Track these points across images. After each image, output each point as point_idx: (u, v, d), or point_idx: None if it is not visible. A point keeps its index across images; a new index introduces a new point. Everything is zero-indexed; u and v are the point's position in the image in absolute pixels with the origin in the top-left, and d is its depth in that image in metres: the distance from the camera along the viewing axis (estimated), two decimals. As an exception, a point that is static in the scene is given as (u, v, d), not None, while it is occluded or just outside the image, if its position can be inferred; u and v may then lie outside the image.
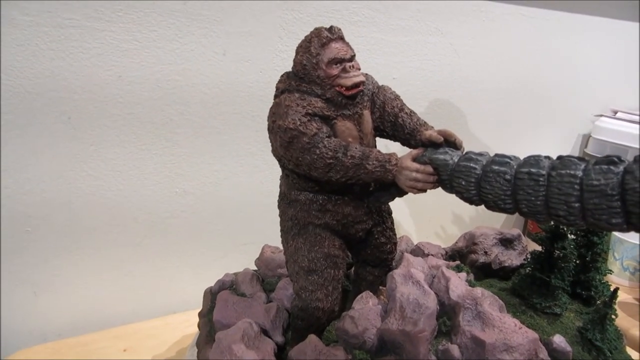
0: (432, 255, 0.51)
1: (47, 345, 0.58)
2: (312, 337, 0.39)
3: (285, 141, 0.36)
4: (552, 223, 0.46)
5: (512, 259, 0.51)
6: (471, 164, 0.33)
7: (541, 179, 0.30)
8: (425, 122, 0.39)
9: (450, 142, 0.36)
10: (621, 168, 0.27)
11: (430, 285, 0.43)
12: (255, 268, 0.54)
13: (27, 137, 0.54)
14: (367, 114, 0.40)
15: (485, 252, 0.51)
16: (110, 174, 0.60)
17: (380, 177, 0.37)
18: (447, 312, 0.41)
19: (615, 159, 0.28)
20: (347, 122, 0.38)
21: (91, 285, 0.64)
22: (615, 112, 0.94)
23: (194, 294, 0.56)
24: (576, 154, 0.93)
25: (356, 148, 0.36)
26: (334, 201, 0.40)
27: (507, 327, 0.39)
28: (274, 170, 0.43)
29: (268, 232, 0.54)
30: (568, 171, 0.29)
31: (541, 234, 0.47)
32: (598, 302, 0.45)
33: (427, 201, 0.82)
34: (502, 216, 0.95)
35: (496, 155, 0.33)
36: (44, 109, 0.54)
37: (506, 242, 0.53)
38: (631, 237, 0.77)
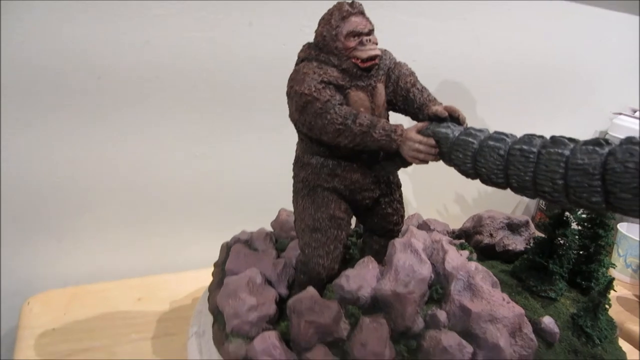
0: (437, 231, 0.53)
1: (66, 290, 0.62)
2: (310, 288, 0.42)
3: (300, 105, 0.39)
4: (556, 210, 0.47)
5: (516, 243, 0.53)
6: (469, 139, 0.35)
7: (531, 155, 0.32)
8: (434, 99, 0.41)
9: (454, 118, 0.38)
10: (606, 150, 0.29)
11: (429, 257, 0.45)
12: (271, 229, 0.58)
13: (56, 95, 0.58)
14: (380, 87, 0.42)
15: (491, 235, 0.53)
16: (133, 135, 0.63)
17: (385, 145, 0.39)
18: (441, 282, 0.44)
19: (602, 142, 0.29)
20: (360, 92, 0.41)
21: (110, 239, 0.68)
22: (635, 111, 0.94)
23: (209, 254, 0.59)
24: None
25: (365, 117, 0.39)
26: (343, 167, 0.43)
27: (494, 300, 0.41)
28: (291, 140, 0.47)
29: (284, 199, 0.56)
30: (556, 150, 0.31)
31: (545, 221, 0.48)
32: (593, 291, 0.46)
33: (433, 181, 0.83)
34: (513, 203, 0.97)
35: (495, 132, 0.35)
36: (74, 70, 0.57)
37: (513, 227, 0.54)
38: (635, 233, 0.78)
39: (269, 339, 0.39)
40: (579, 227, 0.50)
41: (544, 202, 0.84)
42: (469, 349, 0.39)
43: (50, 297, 0.60)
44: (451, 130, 0.37)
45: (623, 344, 0.53)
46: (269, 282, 0.46)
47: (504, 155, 0.33)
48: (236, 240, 0.54)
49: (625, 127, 0.91)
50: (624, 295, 0.67)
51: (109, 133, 0.62)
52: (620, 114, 0.94)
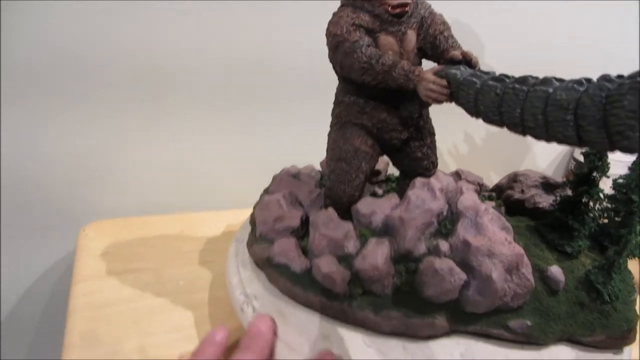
0: (467, 180, 0.56)
1: (116, 220, 0.70)
2: (330, 209, 0.48)
3: (333, 45, 0.45)
4: (583, 169, 0.48)
5: (549, 202, 0.53)
6: (474, 79, 0.38)
7: (521, 94, 0.34)
8: (459, 45, 0.44)
9: (467, 61, 0.41)
10: (585, 87, 0.31)
11: (447, 198, 0.49)
12: (319, 168, 0.64)
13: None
14: (411, 33, 0.46)
15: (522, 191, 0.54)
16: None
17: (403, 84, 0.43)
18: (452, 219, 0.47)
19: (584, 80, 0.31)
20: (390, 37, 0.45)
21: (158, 174, 0.75)
22: None
23: (248, 196, 0.62)
24: None
25: (388, 57, 0.43)
26: (372, 106, 0.48)
27: (496, 239, 0.43)
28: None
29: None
30: (543, 87, 0.33)
31: (572, 178, 0.49)
32: (609, 249, 0.46)
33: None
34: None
35: (500, 74, 0.38)
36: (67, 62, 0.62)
37: (548, 187, 0.55)
38: None
39: (287, 244, 0.46)
40: (614, 191, 0.50)
41: (573, 165, 0.83)
42: (462, 276, 0.42)
43: (104, 225, 0.68)
44: (461, 72, 0.40)
45: None
46: (301, 205, 0.53)
47: (499, 94, 0.36)
48: (285, 172, 0.61)
49: None
50: None
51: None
52: None
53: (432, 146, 0.53)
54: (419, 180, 0.49)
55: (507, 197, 0.55)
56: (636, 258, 0.51)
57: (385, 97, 0.47)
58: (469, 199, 0.46)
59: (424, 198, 0.46)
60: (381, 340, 0.42)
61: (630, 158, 0.50)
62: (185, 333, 0.50)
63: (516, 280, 0.42)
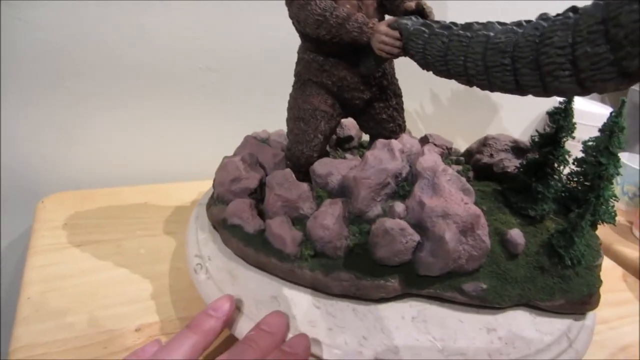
0: (435, 144, 0.54)
1: (78, 192, 0.68)
2: (287, 169, 0.47)
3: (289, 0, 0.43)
4: (545, 130, 0.46)
5: (517, 166, 0.52)
6: (423, 28, 0.36)
7: (465, 40, 0.32)
8: None
9: (419, 11, 0.39)
10: (525, 30, 0.29)
11: (408, 160, 0.47)
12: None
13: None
14: (370, -15, 0.44)
15: (491, 155, 0.53)
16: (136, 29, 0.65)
17: (357, 37, 0.41)
18: (412, 181, 0.46)
19: (524, 22, 0.29)
20: (347, -11, 0.43)
21: (121, 144, 0.73)
22: None
23: (210, 165, 0.59)
24: None
25: (343, 10, 0.41)
26: (331, 63, 0.46)
27: (452, 199, 0.42)
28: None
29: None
30: (484, 32, 0.31)
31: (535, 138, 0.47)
32: (572, 212, 0.45)
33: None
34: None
35: (449, 22, 0.36)
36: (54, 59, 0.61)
37: (518, 151, 0.53)
38: (635, 162, 0.81)
39: (241, 204, 0.45)
40: (584, 154, 0.48)
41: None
42: (415, 237, 0.41)
43: (64, 197, 0.66)
44: (412, 22, 0.38)
45: (607, 261, 0.65)
46: (262, 167, 0.52)
47: (445, 42, 0.34)
48: (252, 136, 0.60)
49: None
50: (618, 221, 0.63)
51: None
52: None
53: (399, 108, 0.52)
54: (380, 141, 0.47)
55: (476, 162, 0.53)
56: (604, 223, 0.49)
57: (344, 54, 0.45)
58: (428, 160, 0.45)
59: (382, 158, 0.45)
60: (331, 302, 0.41)
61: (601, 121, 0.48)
62: (143, 304, 0.48)
63: (471, 242, 0.41)
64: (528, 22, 0.29)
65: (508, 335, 0.41)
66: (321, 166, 0.46)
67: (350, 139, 0.62)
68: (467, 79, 0.33)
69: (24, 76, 0.63)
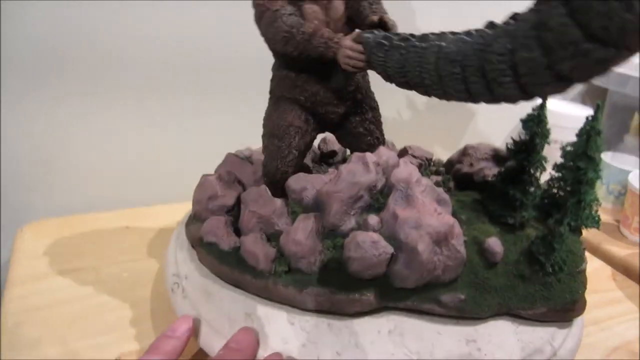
0: (413, 155, 0.54)
1: (59, 219, 0.66)
2: (263, 186, 0.47)
3: (257, 16, 0.44)
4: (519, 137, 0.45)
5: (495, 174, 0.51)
6: (382, 40, 0.36)
7: (420, 51, 0.33)
8: (381, 11, 0.43)
9: (383, 25, 0.39)
10: (473, 39, 0.29)
11: (384, 172, 0.47)
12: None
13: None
14: (338, 2, 0.44)
15: (471, 164, 0.52)
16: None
17: (323, 52, 0.41)
18: (387, 193, 0.45)
19: (474, 31, 0.29)
20: (314, 5, 0.43)
21: (102, 168, 0.72)
22: None
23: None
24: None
25: (309, 26, 0.42)
26: (303, 79, 0.46)
27: (425, 210, 0.42)
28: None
29: None
30: (437, 42, 0.31)
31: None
32: (550, 218, 0.44)
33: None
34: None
35: (408, 33, 0.36)
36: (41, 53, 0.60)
37: (499, 160, 0.52)
38: (618, 162, 0.82)
39: (216, 222, 0.45)
40: (563, 160, 0.48)
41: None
42: (388, 249, 0.40)
43: (43, 225, 0.64)
44: (374, 35, 0.38)
45: (596, 261, 0.67)
46: (241, 185, 0.52)
47: (403, 54, 0.34)
48: (233, 154, 0.60)
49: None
50: (605, 220, 0.70)
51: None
52: None
53: (375, 121, 0.52)
54: (354, 155, 0.47)
55: (456, 172, 0.53)
56: (587, 228, 0.48)
57: (316, 70, 0.46)
58: (403, 171, 0.45)
59: (355, 171, 0.44)
60: (306, 318, 0.41)
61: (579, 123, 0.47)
62: (123, 332, 0.47)
63: (446, 252, 0.40)
64: (477, 31, 0.29)
65: (488, 346, 0.40)
66: (295, 181, 0.46)
67: (333, 153, 0.63)
68: (425, 90, 0.33)
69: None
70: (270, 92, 0.49)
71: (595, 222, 0.48)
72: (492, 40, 0.26)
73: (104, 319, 0.48)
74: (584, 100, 1.06)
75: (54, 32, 0.62)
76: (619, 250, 0.70)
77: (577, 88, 1.02)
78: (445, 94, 0.31)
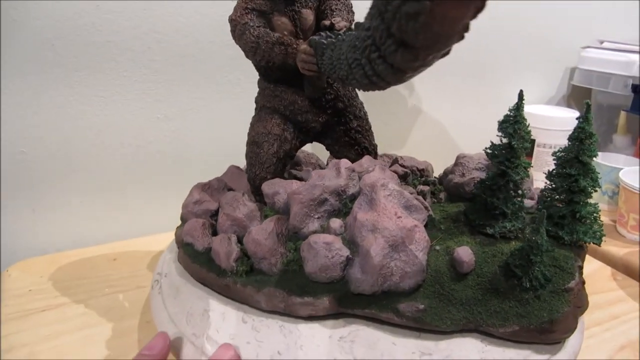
0: (402, 165, 0.52)
1: (45, 257, 0.64)
2: (239, 192, 0.48)
3: (231, 30, 0.47)
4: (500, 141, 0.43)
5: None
6: (322, 40, 0.37)
7: (339, 44, 0.33)
8: (341, 14, 0.43)
9: (330, 27, 0.40)
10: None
11: (360, 178, 0.47)
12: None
13: (13, 64, 0.59)
14: (307, 12, 0.46)
15: (463, 174, 0.49)
16: (95, 99, 0.65)
17: (285, 59, 0.43)
18: (355, 198, 0.45)
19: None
20: (283, 17, 0.45)
21: (86, 206, 0.69)
22: (602, 42, 0.96)
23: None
24: (564, 87, 1.05)
25: (273, 35, 0.44)
26: (281, 89, 0.48)
27: (385, 214, 0.40)
28: (251, 96, 0.51)
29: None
30: (351, 32, 0.31)
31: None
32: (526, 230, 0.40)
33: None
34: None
35: (344, 33, 0.36)
36: (29, 37, 0.59)
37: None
38: (610, 160, 0.81)
39: (194, 224, 0.48)
40: (555, 167, 0.44)
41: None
42: (342, 252, 0.40)
43: (30, 264, 0.62)
44: (319, 37, 0.39)
45: (595, 262, 0.65)
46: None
47: (333, 50, 0.35)
48: (236, 165, 0.62)
49: (593, 59, 0.94)
50: (602, 220, 0.58)
51: (70, 98, 0.64)
52: (588, 47, 0.96)
53: (362, 130, 0.52)
54: (332, 162, 0.47)
55: (448, 182, 0.51)
56: (586, 244, 0.43)
57: (291, 79, 0.47)
58: (372, 176, 0.44)
59: (325, 176, 0.45)
60: (260, 318, 0.41)
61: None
62: None
63: (404, 257, 0.39)
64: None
65: (444, 362, 0.37)
66: (269, 186, 0.47)
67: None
68: (349, 82, 0.33)
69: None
70: (255, 102, 0.52)
71: (596, 239, 0.43)
72: (367, 18, 0.25)
73: (91, 352, 0.47)
74: (568, 103, 1.07)
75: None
76: (617, 249, 0.68)
77: (560, 91, 1.05)
78: (358, 83, 0.31)
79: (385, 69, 0.24)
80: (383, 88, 0.29)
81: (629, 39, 0.95)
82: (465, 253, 0.40)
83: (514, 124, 0.41)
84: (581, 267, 0.42)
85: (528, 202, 0.48)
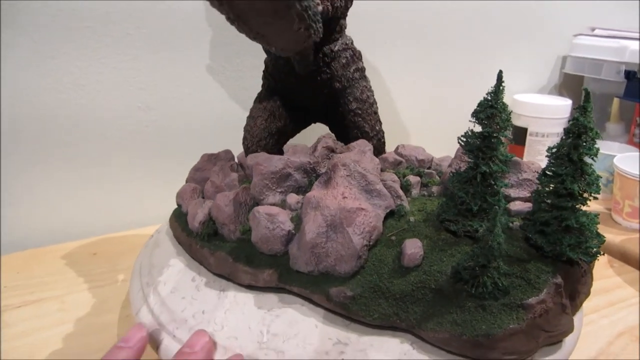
0: (403, 154, 0.49)
1: (24, 252, 0.62)
2: (230, 162, 0.50)
3: None
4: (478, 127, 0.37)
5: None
6: None
7: None
8: None
9: None
10: None
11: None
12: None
13: None
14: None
15: (460, 167, 0.44)
16: (73, 87, 0.61)
17: None
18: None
19: None
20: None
21: (66, 199, 0.66)
22: (593, 30, 0.96)
23: (164, 208, 0.57)
24: (556, 75, 1.02)
25: None
26: (276, 67, 0.49)
27: (332, 193, 0.39)
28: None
29: (237, 145, 0.53)
30: None
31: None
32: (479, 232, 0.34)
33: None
34: None
35: None
36: (6, 24, 0.56)
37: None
38: (603, 148, 0.77)
39: (186, 187, 0.51)
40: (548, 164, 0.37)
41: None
42: (285, 225, 0.39)
43: (5, 260, 0.60)
44: None
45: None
46: (243, 170, 0.56)
47: None
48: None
49: (585, 46, 0.93)
50: (596, 209, 0.62)
51: (47, 87, 0.60)
52: (580, 34, 0.95)
53: (364, 114, 0.50)
54: (320, 138, 0.47)
55: (444, 175, 0.46)
56: (574, 259, 0.36)
57: (283, 59, 0.48)
58: (342, 157, 0.42)
59: (297, 151, 0.44)
60: (207, 280, 0.42)
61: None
62: None
63: (340, 239, 0.37)
64: None
65: (355, 354, 0.34)
66: (251, 158, 0.48)
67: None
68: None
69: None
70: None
71: (588, 255, 0.36)
72: None
73: (69, 347, 0.45)
74: (560, 91, 1.03)
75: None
76: (613, 237, 0.68)
77: (552, 80, 1.01)
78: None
79: None
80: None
81: (621, 25, 0.94)
82: (412, 246, 0.37)
83: (488, 108, 0.36)
84: (559, 285, 0.35)
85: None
